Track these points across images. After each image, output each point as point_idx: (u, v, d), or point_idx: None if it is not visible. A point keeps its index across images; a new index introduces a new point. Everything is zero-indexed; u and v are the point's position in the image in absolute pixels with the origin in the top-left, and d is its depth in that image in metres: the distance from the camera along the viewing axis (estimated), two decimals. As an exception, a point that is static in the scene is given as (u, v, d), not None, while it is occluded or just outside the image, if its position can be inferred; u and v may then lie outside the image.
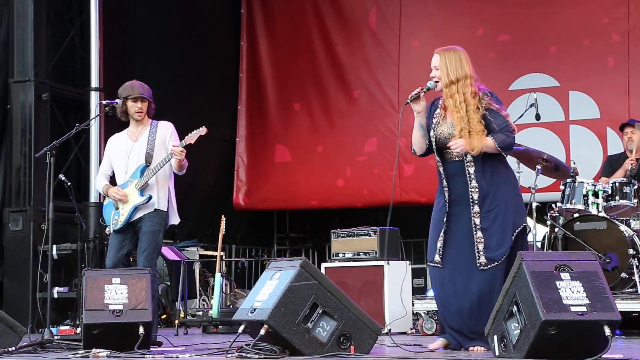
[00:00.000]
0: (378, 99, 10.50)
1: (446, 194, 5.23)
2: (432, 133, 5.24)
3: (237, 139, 11.38)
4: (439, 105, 5.30)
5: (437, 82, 5.22)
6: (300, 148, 11.07)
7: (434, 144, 5.25)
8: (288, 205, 11.28)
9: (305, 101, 11.10)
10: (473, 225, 5.15)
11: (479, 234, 5.13)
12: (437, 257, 5.22)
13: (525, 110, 7.48)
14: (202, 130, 6.16)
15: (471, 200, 5.16)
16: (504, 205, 5.16)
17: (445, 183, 5.23)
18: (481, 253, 5.12)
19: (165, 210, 6.27)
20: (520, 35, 9.89)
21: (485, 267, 5.10)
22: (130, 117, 6.33)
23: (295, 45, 11.20)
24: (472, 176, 5.16)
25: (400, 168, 9.17)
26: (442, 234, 5.21)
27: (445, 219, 5.21)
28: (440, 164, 5.25)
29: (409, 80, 10.04)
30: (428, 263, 5.32)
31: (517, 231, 5.18)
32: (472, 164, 5.15)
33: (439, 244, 5.22)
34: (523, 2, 10.02)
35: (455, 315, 5.18)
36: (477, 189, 5.15)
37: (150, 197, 6.17)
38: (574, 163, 7.37)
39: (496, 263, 5.09)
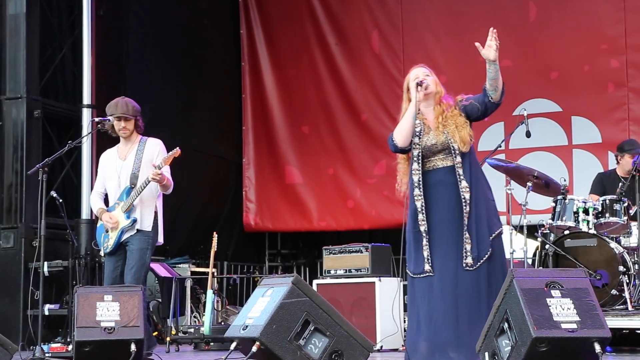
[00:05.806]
0: (385, 123, 10.39)
1: (420, 202, 5.20)
2: (416, 140, 5.22)
3: (244, 160, 11.45)
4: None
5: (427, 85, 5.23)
6: (311, 170, 11.14)
7: (419, 152, 5.23)
8: (298, 226, 11.27)
9: (314, 124, 11.16)
10: (464, 226, 5.12)
11: (467, 234, 5.12)
12: (427, 267, 5.15)
13: (516, 127, 7.51)
14: (176, 152, 6.16)
15: (463, 200, 5.13)
16: (485, 202, 5.20)
17: (418, 191, 5.20)
18: (468, 253, 5.10)
19: (150, 230, 6.24)
20: (522, 61, 9.89)
21: (471, 268, 5.09)
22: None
23: (299, 68, 11.24)
24: (462, 177, 5.16)
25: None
26: (425, 242, 5.19)
27: (425, 227, 5.19)
28: (417, 172, 5.23)
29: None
30: (414, 275, 5.19)
31: (494, 234, 5.17)
32: (461, 164, 5.17)
33: (425, 253, 5.18)
34: (524, 28, 10.05)
35: (443, 324, 5.10)
36: (467, 189, 5.14)
37: (134, 220, 6.19)
38: (565, 180, 7.39)
39: (480, 262, 5.08)
